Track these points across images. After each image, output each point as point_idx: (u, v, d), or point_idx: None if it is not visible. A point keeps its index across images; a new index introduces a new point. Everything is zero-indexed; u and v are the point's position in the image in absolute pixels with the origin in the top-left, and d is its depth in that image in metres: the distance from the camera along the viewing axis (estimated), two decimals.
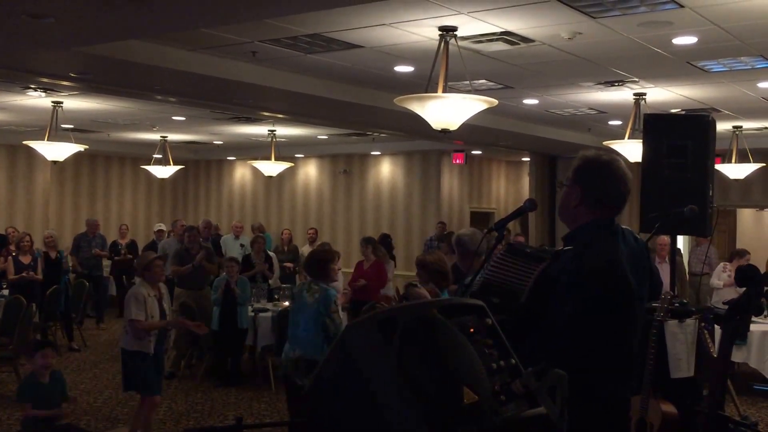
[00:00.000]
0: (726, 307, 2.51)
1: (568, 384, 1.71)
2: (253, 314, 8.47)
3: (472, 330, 1.69)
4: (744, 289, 2.24)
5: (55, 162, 10.75)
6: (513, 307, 2.42)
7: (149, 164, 13.99)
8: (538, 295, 2.46)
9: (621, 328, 2.52)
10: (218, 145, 15.63)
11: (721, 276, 9.50)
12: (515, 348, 2.16)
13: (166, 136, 13.64)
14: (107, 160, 16.76)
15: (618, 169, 2.62)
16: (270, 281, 9.99)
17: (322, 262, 5.61)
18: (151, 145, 14.13)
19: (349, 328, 1.68)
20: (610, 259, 2.49)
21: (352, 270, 9.91)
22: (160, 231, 12.50)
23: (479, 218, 15.31)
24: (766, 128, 11.05)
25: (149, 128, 12.71)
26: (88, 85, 8.02)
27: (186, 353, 8.73)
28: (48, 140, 9.98)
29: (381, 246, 10.88)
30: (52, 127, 9.89)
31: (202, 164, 18.08)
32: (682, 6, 5.27)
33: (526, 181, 15.45)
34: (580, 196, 2.59)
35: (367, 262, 9.54)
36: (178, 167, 14.20)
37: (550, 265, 2.50)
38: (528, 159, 14.72)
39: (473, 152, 14.85)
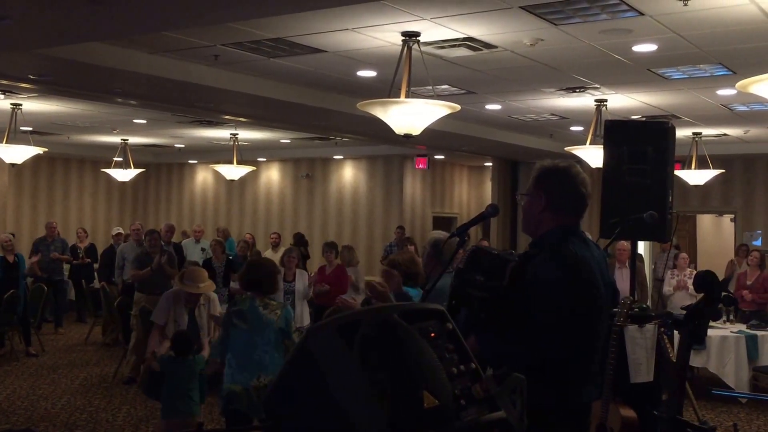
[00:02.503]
0: (685, 312, 2.54)
1: (536, 388, 1.72)
2: None
3: (433, 335, 1.70)
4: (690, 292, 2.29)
5: (13, 165, 10.54)
6: (497, 286, 2.49)
7: (109, 167, 13.78)
8: (513, 293, 2.52)
9: (594, 332, 2.58)
10: (180, 149, 15.46)
11: (670, 282, 9.68)
12: (493, 328, 2.21)
13: (127, 139, 13.45)
14: (66, 162, 16.47)
15: (578, 174, 2.70)
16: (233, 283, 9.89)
17: (273, 274, 5.07)
18: (111, 148, 13.92)
19: (310, 333, 1.67)
20: (582, 263, 2.55)
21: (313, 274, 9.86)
22: (119, 235, 12.29)
23: (442, 223, 15.37)
24: (724, 135, 11.27)
25: (110, 131, 12.52)
26: (47, 87, 7.88)
27: (145, 358, 8.59)
28: (6, 143, 9.82)
29: (351, 248, 10.84)
30: (11, 129, 9.73)
31: (164, 168, 17.87)
32: (642, 14, 5.35)
33: (488, 186, 15.56)
34: (544, 203, 2.65)
35: (330, 267, 9.51)
36: (139, 170, 14.02)
37: (519, 266, 2.54)
38: (490, 164, 14.83)
39: (436, 157, 14.91)
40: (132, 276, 8.94)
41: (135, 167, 13.71)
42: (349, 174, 15.37)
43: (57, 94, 8.67)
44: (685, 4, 5.07)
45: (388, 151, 13.93)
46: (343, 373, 1.55)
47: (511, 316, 2.51)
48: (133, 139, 13.63)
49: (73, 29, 5.26)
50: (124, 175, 13.72)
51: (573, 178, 2.66)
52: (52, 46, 5.86)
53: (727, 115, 9.49)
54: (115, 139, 13.43)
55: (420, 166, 14.57)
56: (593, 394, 2.66)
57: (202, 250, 11.43)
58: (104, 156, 14.49)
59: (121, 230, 12.71)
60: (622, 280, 8.42)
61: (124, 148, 13.59)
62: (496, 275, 2.54)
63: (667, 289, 9.74)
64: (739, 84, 4.99)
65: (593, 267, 2.58)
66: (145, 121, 11.34)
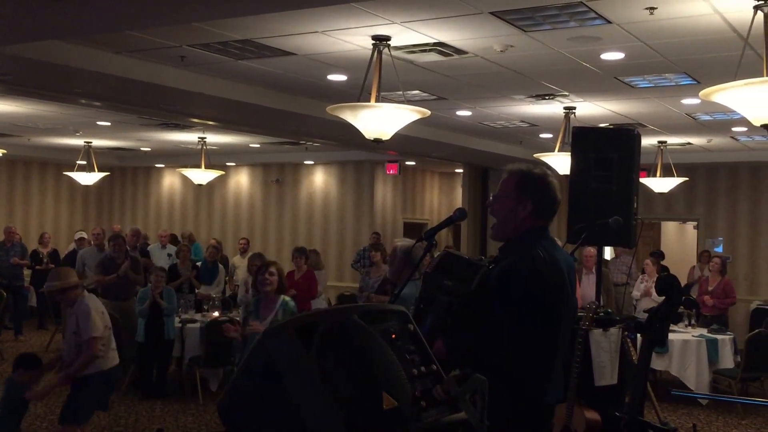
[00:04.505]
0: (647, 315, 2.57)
1: (500, 390, 1.70)
2: (180, 325, 8.28)
3: (394, 336, 1.68)
4: (661, 298, 2.31)
5: None
6: (463, 292, 2.52)
7: (72, 170, 13.52)
8: (479, 296, 2.54)
9: (558, 333, 2.62)
10: (146, 152, 15.26)
11: (639, 287, 9.81)
12: (458, 331, 2.29)
13: (91, 142, 13.21)
14: (27, 165, 16.14)
15: (554, 180, 2.82)
16: (198, 290, 9.77)
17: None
18: (74, 151, 13.67)
19: (267, 334, 1.63)
20: (552, 266, 2.60)
21: None
22: (81, 239, 12.05)
23: (413, 229, 15.39)
24: (689, 143, 11.45)
25: (72, 133, 12.29)
26: (6, 87, 7.68)
27: None
28: None
29: (318, 253, 10.82)
30: None
31: (129, 171, 17.62)
32: (609, 22, 5.40)
33: (459, 193, 15.62)
34: (530, 209, 2.71)
35: (299, 272, 9.45)
36: (103, 174, 13.77)
37: (490, 270, 2.56)
38: (461, 170, 14.88)
39: (407, 163, 14.92)
40: (96, 281, 8.79)
41: (99, 170, 13.47)
42: (319, 179, 15.32)
43: (17, 94, 8.46)
44: (651, 13, 5.13)
45: (358, 156, 13.91)
46: (300, 375, 1.52)
47: (477, 321, 2.52)
48: (97, 142, 13.41)
49: (33, 27, 5.15)
50: (87, 178, 13.47)
51: (553, 186, 2.79)
52: (12, 43, 5.71)
53: (691, 124, 9.63)
54: (78, 142, 13.18)
55: (391, 171, 14.57)
56: (557, 396, 2.68)
57: (169, 255, 11.27)
58: (67, 159, 14.23)
59: (84, 235, 12.47)
60: (589, 285, 8.50)
61: (88, 150, 13.35)
62: (464, 280, 2.55)
63: (635, 293, 9.87)
64: (702, 92, 5.05)
65: (563, 269, 2.62)
66: (109, 124, 11.16)
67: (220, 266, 10.33)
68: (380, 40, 5.96)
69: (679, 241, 16.50)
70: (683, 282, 11.04)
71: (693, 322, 8.82)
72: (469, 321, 2.54)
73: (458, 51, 6.31)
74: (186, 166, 13.33)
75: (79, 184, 14.15)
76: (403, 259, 4.35)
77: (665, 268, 10.73)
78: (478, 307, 2.53)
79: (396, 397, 1.52)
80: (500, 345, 2.47)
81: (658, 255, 11.74)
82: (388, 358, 1.57)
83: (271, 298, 5.41)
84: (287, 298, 5.51)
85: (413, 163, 15.06)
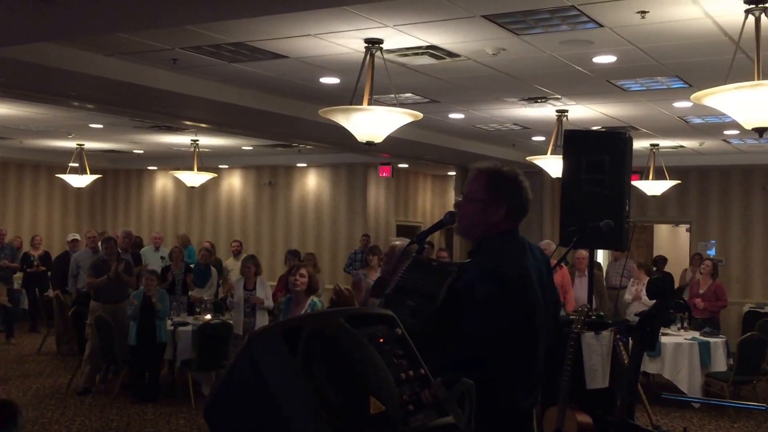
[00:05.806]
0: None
1: (476, 396, 1.69)
2: (172, 328, 8.25)
3: (381, 340, 1.67)
4: (652, 302, 2.29)
5: None
6: (428, 311, 2.40)
7: (65, 173, 13.47)
8: (448, 306, 2.45)
9: (532, 339, 2.56)
10: (138, 155, 15.23)
11: (631, 290, 9.82)
12: (421, 353, 2.16)
13: (83, 144, 13.17)
14: (19, 168, 16.07)
15: (524, 180, 2.68)
16: (191, 292, 9.75)
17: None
18: (66, 153, 13.62)
19: (253, 338, 1.63)
20: (522, 271, 2.52)
21: (275, 283, 9.78)
22: (75, 241, 11.99)
23: (405, 231, 15.39)
24: (681, 147, 11.48)
25: (65, 136, 12.25)
26: None
27: (101, 368, 8.42)
28: None
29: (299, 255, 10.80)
30: None
31: (122, 174, 17.56)
32: (601, 26, 5.41)
33: (451, 195, 15.63)
34: (504, 212, 2.59)
35: None
36: (96, 176, 13.72)
37: (457, 278, 2.49)
38: (453, 173, 14.89)
39: (400, 165, 14.93)
40: (88, 284, 8.76)
41: (92, 173, 13.40)
42: (312, 182, 15.32)
43: (8, 97, 8.43)
44: (643, 17, 5.15)
45: (351, 159, 13.90)
46: (286, 379, 1.51)
47: (452, 332, 2.44)
48: (90, 144, 13.36)
49: (24, 29, 5.13)
50: (80, 181, 13.41)
51: (525, 185, 2.66)
52: (4, 46, 5.69)
53: (683, 127, 9.67)
54: (71, 144, 13.13)
55: (383, 174, 14.57)
56: (532, 400, 2.62)
57: (162, 258, 11.25)
58: (59, 161, 14.16)
59: (77, 236, 12.42)
60: (581, 288, 8.51)
61: (80, 153, 13.30)
62: (429, 296, 2.43)
63: (627, 297, 9.89)
64: (693, 96, 5.07)
65: (530, 271, 2.53)
66: (101, 126, 11.13)
67: (213, 269, 10.31)
68: (373, 43, 5.96)
69: (672, 244, 16.54)
70: (676, 285, 11.06)
71: (685, 325, 8.84)
72: (444, 336, 2.43)
73: (451, 54, 6.32)
74: (179, 169, 13.29)
75: (72, 186, 14.09)
76: (401, 259, 4.34)
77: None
78: (450, 320, 2.42)
79: (383, 402, 1.51)
80: (477, 349, 2.41)
81: (660, 262, 11.67)
82: (376, 362, 1.56)
83: (302, 298, 5.70)
84: (316, 299, 5.77)
85: (406, 165, 15.06)
